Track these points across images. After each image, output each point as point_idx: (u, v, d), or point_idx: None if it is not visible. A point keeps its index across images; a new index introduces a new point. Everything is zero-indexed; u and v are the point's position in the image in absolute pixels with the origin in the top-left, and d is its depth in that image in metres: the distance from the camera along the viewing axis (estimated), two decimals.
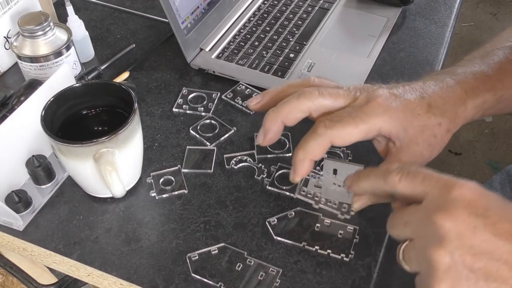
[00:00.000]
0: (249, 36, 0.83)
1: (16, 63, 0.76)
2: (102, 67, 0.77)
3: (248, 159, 0.65)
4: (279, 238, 0.57)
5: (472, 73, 0.56)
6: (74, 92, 0.60)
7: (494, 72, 0.56)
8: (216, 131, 0.69)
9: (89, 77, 0.76)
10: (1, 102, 0.70)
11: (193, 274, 0.54)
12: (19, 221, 0.59)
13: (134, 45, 0.82)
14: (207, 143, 0.68)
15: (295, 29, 0.84)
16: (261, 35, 0.83)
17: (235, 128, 0.70)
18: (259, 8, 0.89)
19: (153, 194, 0.62)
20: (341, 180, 0.57)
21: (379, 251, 0.56)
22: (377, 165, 0.64)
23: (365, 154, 0.65)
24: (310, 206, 0.60)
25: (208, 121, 0.71)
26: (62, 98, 0.59)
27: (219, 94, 0.74)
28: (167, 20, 0.75)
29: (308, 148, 0.51)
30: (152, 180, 0.64)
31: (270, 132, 0.53)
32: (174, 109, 0.73)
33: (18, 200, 0.59)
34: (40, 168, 0.61)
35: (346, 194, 0.58)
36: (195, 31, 0.80)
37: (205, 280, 0.54)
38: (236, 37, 0.83)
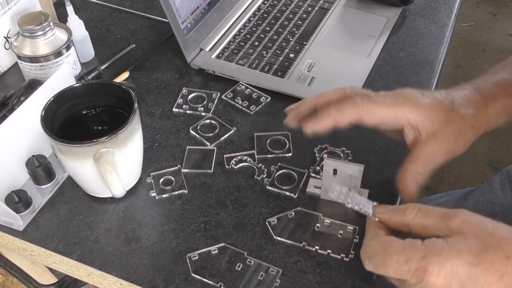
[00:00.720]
0: (249, 36, 0.83)
1: (16, 63, 0.76)
2: (102, 67, 0.77)
3: (248, 159, 0.65)
4: (279, 238, 0.57)
5: (492, 81, 0.58)
6: (74, 92, 0.60)
7: None
8: (216, 131, 0.69)
9: (89, 77, 0.76)
10: (1, 102, 0.70)
11: (193, 274, 0.54)
12: (19, 221, 0.59)
13: (134, 45, 0.82)
14: (207, 143, 0.68)
15: (295, 29, 0.84)
16: (261, 35, 0.83)
17: (235, 128, 0.70)
18: (259, 8, 0.89)
19: (153, 194, 0.62)
20: (341, 180, 0.57)
21: None
22: (377, 165, 0.64)
23: (365, 154, 0.65)
24: (310, 206, 0.60)
25: (208, 121, 0.71)
26: (62, 98, 0.59)
27: (219, 94, 0.74)
28: (167, 20, 0.75)
29: (341, 108, 0.54)
30: (152, 180, 0.64)
31: (301, 111, 0.57)
32: (174, 109, 0.73)
33: (18, 200, 0.59)
34: (40, 168, 0.61)
35: (345, 194, 0.57)
36: (195, 31, 0.80)
37: (205, 280, 0.54)
38: (236, 37, 0.83)
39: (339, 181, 0.57)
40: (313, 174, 0.62)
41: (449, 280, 0.40)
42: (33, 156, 0.61)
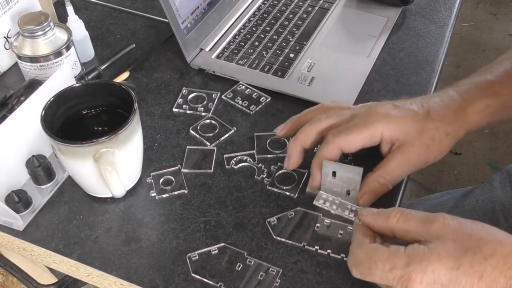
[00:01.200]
0: (249, 36, 0.83)
1: (16, 63, 0.76)
2: (102, 67, 0.77)
3: (248, 159, 0.65)
4: (279, 238, 0.57)
5: (474, 82, 0.59)
6: (74, 92, 0.60)
7: (498, 79, 0.58)
8: (216, 131, 0.69)
9: (89, 77, 0.76)
10: (1, 102, 0.70)
11: (193, 274, 0.54)
12: (19, 221, 0.59)
13: (134, 45, 0.82)
14: (207, 143, 0.68)
15: (295, 29, 0.84)
16: (261, 35, 0.83)
17: (235, 128, 0.70)
18: (259, 8, 0.89)
19: (153, 194, 0.62)
20: (339, 182, 0.57)
21: None
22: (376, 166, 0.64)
23: (364, 156, 0.65)
24: (310, 206, 0.60)
25: (208, 121, 0.71)
26: (62, 98, 0.59)
27: (219, 94, 0.74)
28: (167, 20, 0.75)
29: (322, 156, 0.57)
30: (152, 180, 0.64)
31: (292, 157, 0.60)
32: (174, 109, 0.73)
33: (18, 200, 0.59)
34: (40, 168, 0.61)
35: (345, 195, 0.58)
36: (195, 31, 0.80)
37: (205, 280, 0.54)
38: (236, 37, 0.83)
39: (338, 183, 0.57)
40: None
41: (432, 285, 0.41)
42: (33, 156, 0.61)
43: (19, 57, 0.73)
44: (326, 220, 0.59)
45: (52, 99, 0.58)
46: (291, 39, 0.82)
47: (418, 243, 0.43)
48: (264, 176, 0.64)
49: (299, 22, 0.86)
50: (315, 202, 0.57)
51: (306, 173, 0.63)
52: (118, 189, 0.58)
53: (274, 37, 0.83)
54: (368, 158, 0.61)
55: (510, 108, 0.58)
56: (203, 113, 0.72)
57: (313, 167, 0.58)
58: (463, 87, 0.59)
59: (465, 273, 0.40)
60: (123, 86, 0.60)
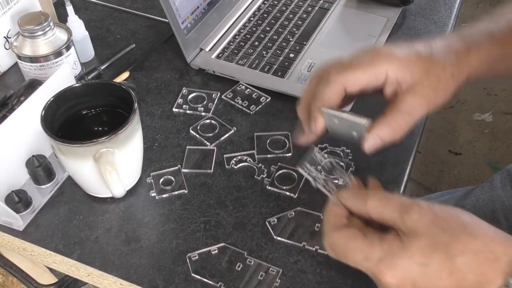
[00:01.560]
0: (249, 36, 0.83)
1: (16, 63, 0.76)
2: (102, 67, 0.77)
3: (248, 159, 0.65)
4: (279, 238, 0.57)
5: (478, 29, 0.56)
6: (74, 92, 0.60)
7: (501, 30, 0.56)
8: (216, 131, 0.69)
9: (89, 77, 0.76)
10: (1, 102, 0.70)
11: (193, 274, 0.54)
12: (19, 221, 0.59)
13: (134, 45, 0.82)
14: (207, 143, 0.68)
15: (295, 29, 0.84)
16: (261, 35, 0.83)
17: (235, 128, 0.70)
18: (259, 8, 0.89)
19: (153, 194, 0.62)
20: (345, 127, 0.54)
21: None
22: (377, 165, 0.64)
23: (365, 154, 0.65)
24: (310, 206, 0.60)
25: (208, 121, 0.71)
26: (62, 98, 0.59)
27: (219, 94, 0.74)
28: (167, 20, 0.75)
29: (324, 96, 0.52)
30: (152, 180, 0.64)
31: (317, 119, 0.54)
32: (174, 109, 0.73)
33: (18, 200, 0.59)
34: (40, 168, 0.61)
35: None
36: (195, 31, 0.80)
37: (205, 280, 0.54)
38: (236, 37, 0.83)
39: (343, 128, 0.54)
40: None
41: (402, 279, 0.42)
42: (33, 156, 0.61)
43: (19, 57, 0.73)
44: None
45: (52, 99, 0.58)
46: (291, 39, 0.82)
47: (394, 235, 0.44)
48: (264, 176, 0.64)
49: (299, 22, 0.86)
50: (297, 167, 0.53)
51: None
52: (118, 189, 0.58)
53: (274, 37, 0.83)
54: (368, 157, 0.61)
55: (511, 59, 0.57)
56: (203, 113, 0.72)
57: (315, 109, 0.53)
58: (464, 33, 0.56)
59: (435, 270, 0.41)
60: (123, 86, 0.60)
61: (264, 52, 0.80)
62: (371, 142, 0.52)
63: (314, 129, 0.54)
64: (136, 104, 0.57)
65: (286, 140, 0.67)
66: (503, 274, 0.40)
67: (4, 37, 0.77)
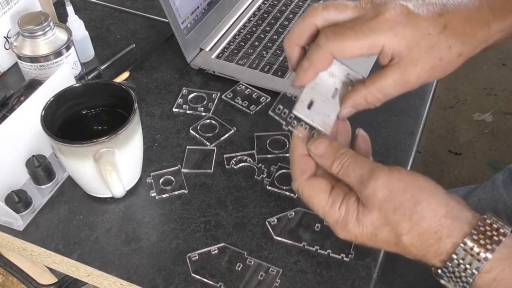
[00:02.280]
0: (249, 36, 0.83)
1: (16, 63, 0.76)
2: (102, 67, 0.77)
3: (248, 159, 0.65)
4: (279, 238, 0.57)
5: None
6: (74, 92, 0.60)
7: None
8: (216, 131, 0.69)
9: (89, 77, 0.76)
10: (1, 102, 0.70)
11: (193, 274, 0.54)
12: (19, 221, 0.59)
13: (134, 45, 0.82)
14: (207, 143, 0.68)
15: None
16: (261, 35, 0.83)
17: (235, 128, 0.70)
18: (259, 8, 0.89)
19: (153, 194, 0.62)
20: (332, 82, 0.51)
21: (379, 251, 0.56)
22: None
23: None
24: None
25: (208, 121, 0.71)
26: (62, 98, 0.59)
27: (219, 94, 0.74)
28: (167, 20, 0.75)
29: (312, 58, 0.49)
30: (152, 180, 0.64)
31: (292, 58, 0.51)
32: (174, 109, 0.73)
33: (18, 200, 0.59)
34: (40, 168, 0.61)
35: (328, 98, 0.51)
36: (195, 31, 0.80)
37: (205, 280, 0.54)
38: (236, 37, 0.83)
39: (330, 83, 0.51)
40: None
41: (354, 239, 0.47)
42: (33, 156, 0.61)
43: (19, 57, 0.73)
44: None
45: (52, 99, 0.58)
46: None
47: (354, 200, 0.46)
48: (264, 176, 0.64)
49: None
50: (271, 112, 0.51)
51: None
52: (118, 189, 0.58)
53: (274, 37, 0.83)
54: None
55: None
56: (203, 113, 0.72)
57: (302, 67, 0.49)
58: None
59: (383, 240, 0.45)
60: (123, 86, 0.60)
61: (264, 52, 0.80)
62: (345, 112, 0.50)
63: (295, 81, 0.50)
64: (136, 104, 0.57)
65: (286, 140, 0.67)
66: (446, 252, 0.43)
67: (4, 37, 0.77)
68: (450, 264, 0.43)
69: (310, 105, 0.49)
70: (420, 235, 0.43)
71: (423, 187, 0.45)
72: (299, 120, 0.49)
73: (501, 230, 0.42)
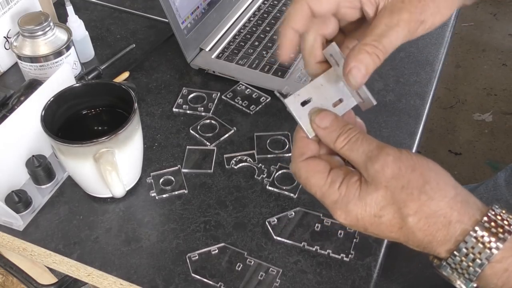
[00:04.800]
0: (249, 36, 0.83)
1: (16, 63, 0.76)
2: (102, 67, 0.77)
3: (248, 159, 0.65)
4: (279, 238, 0.57)
5: None
6: (74, 92, 0.60)
7: None
8: (216, 131, 0.69)
9: (89, 77, 0.76)
10: (1, 102, 0.70)
11: (193, 274, 0.54)
12: (19, 221, 0.59)
13: (134, 45, 0.82)
14: (207, 143, 0.68)
15: None
16: (261, 35, 0.83)
17: (235, 128, 0.70)
18: (259, 8, 0.89)
19: (153, 194, 0.62)
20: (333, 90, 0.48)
21: (379, 251, 0.56)
22: None
23: None
24: (310, 206, 0.60)
25: (208, 121, 0.71)
26: (62, 98, 0.59)
27: (219, 94, 0.74)
28: (167, 20, 0.75)
29: (288, 16, 0.46)
30: (152, 180, 0.64)
31: (283, 45, 0.48)
32: (174, 109, 0.73)
33: (18, 200, 0.59)
34: (40, 168, 0.61)
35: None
36: (195, 31, 0.80)
37: (205, 280, 0.54)
38: (236, 37, 0.83)
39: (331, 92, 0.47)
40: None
41: (354, 224, 0.43)
42: (33, 156, 0.61)
43: (19, 57, 0.73)
44: (326, 220, 0.59)
45: (52, 99, 0.58)
46: None
47: (356, 180, 0.43)
48: (264, 176, 0.64)
49: None
50: (276, 92, 0.49)
51: None
52: (118, 189, 0.58)
53: (274, 37, 0.83)
54: None
55: None
56: (203, 113, 0.72)
57: (280, 32, 0.47)
58: None
59: (386, 223, 0.42)
60: (123, 86, 0.60)
61: (264, 52, 0.80)
62: (354, 72, 0.43)
63: (280, 52, 0.48)
64: (136, 104, 0.57)
65: (286, 140, 0.67)
66: (454, 239, 0.40)
67: (4, 37, 0.77)
68: (457, 254, 0.40)
69: (306, 102, 0.47)
70: (428, 218, 0.41)
71: (432, 168, 0.43)
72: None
73: (511, 221, 0.40)
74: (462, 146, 1.75)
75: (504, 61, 2.03)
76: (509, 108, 1.88)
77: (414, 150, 0.67)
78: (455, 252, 0.40)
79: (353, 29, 0.48)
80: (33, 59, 0.72)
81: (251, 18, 0.87)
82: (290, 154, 0.66)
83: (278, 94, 0.49)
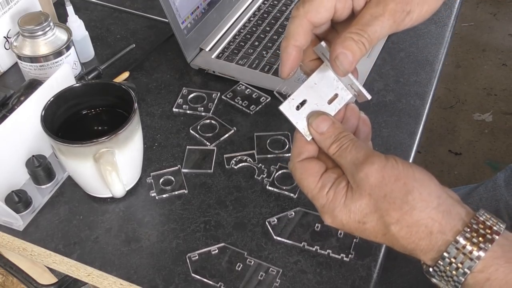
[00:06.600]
0: (249, 36, 0.83)
1: (16, 63, 0.76)
2: (102, 67, 0.77)
3: (248, 159, 0.65)
4: (279, 238, 0.57)
5: None
6: (74, 92, 0.60)
7: None
8: (216, 131, 0.69)
9: (89, 77, 0.76)
10: (1, 102, 0.70)
11: (193, 274, 0.54)
12: (19, 221, 0.59)
13: (134, 45, 0.82)
14: (207, 143, 0.68)
15: None
16: (261, 35, 0.83)
17: (235, 128, 0.70)
18: (259, 8, 0.89)
19: (153, 194, 0.62)
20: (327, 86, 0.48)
21: (379, 251, 0.56)
22: None
23: None
24: (310, 206, 0.60)
25: (208, 121, 0.71)
26: (62, 98, 0.59)
27: (219, 94, 0.74)
28: (167, 20, 0.75)
29: (289, 33, 0.46)
30: (152, 180, 0.64)
31: (285, 62, 0.48)
32: (174, 109, 0.73)
33: (18, 200, 0.59)
34: (40, 168, 0.61)
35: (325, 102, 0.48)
36: (195, 31, 0.80)
37: (205, 280, 0.54)
38: (236, 37, 0.83)
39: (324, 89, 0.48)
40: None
41: (341, 227, 0.45)
42: (33, 156, 0.61)
43: (19, 57, 0.73)
44: None
45: (52, 99, 0.58)
46: None
47: (344, 185, 0.45)
48: (264, 176, 0.64)
49: None
50: (276, 92, 0.50)
51: None
52: (118, 189, 0.58)
53: (274, 37, 0.83)
54: None
55: None
56: (203, 113, 0.72)
57: (282, 48, 0.47)
58: None
59: (370, 228, 0.44)
60: (123, 86, 0.60)
61: (264, 52, 0.80)
62: (342, 57, 0.44)
63: (281, 69, 0.48)
64: (136, 104, 0.57)
65: (286, 140, 0.67)
66: (437, 249, 0.41)
67: (4, 37, 0.77)
68: (441, 263, 0.41)
69: (301, 104, 0.47)
70: (410, 227, 0.42)
71: (417, 178, 0.43)
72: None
73: (495, 228, 0.41)
74: (462, 146, 1.75)
75: (504, 61, 2.03)
76: (509, 108, 1.88)
77: (414, 150, 0.67)
78: (439, 261, 0.42)
79: (345, 26, 0.47)
80: (33, 59, 0.72)
81: (251, 18, 0.87)
82: (290, 154, 0.66)
83: (277, 95, 0.50)
